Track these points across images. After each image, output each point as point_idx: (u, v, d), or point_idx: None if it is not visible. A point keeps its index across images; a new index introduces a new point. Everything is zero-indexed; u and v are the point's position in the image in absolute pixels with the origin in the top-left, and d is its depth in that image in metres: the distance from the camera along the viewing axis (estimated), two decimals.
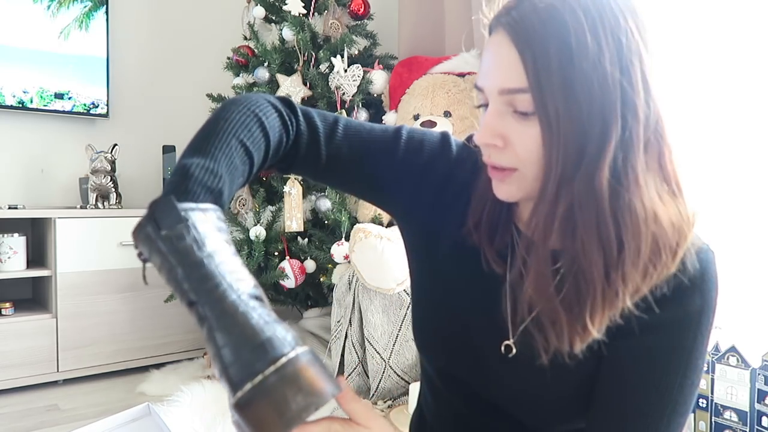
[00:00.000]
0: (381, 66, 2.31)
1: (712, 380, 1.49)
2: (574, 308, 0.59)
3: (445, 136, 0.75)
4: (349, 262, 1.98)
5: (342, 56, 2.20)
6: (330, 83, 2.22)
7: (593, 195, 0.55)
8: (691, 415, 1.53)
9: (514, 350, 0.67)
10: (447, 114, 2.12)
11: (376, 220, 2.06)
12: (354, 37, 2.25)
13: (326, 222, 2.14)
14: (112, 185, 2.42)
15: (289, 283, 2.13)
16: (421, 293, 0.76)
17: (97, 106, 2.61)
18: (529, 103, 0.56)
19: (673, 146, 0.57)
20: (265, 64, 2.29)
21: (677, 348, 0.61)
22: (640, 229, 0.56)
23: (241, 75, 2.40)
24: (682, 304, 0.60)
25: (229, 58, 2.45)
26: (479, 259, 0.68)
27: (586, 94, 0.54)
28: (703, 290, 0.61)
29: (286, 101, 0.71)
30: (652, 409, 0.62)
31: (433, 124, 2.08)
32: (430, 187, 0.73)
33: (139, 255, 0.56)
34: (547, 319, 0.60)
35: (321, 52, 2.22)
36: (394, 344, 1.92)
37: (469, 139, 0.74)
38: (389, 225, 2.08)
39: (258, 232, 2.13)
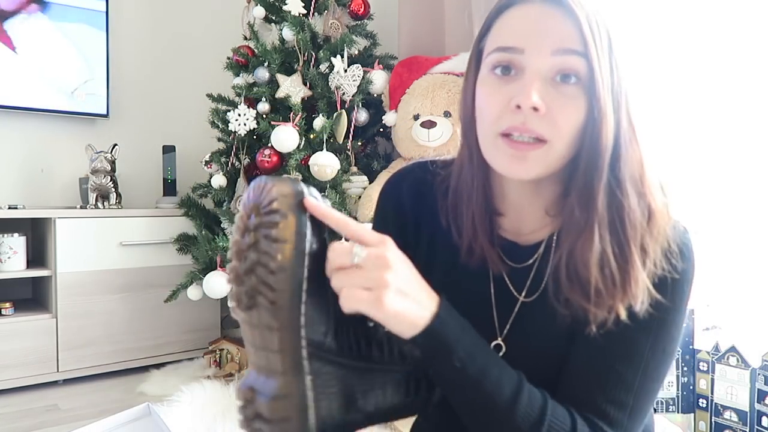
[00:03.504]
0: (381, 66, 2.31)
1: (712, 380, 1.49)
2: (621, 273, 0.61)
3: (378, 205, 0.80)
4: None
5: (342, 56, 2.20)
6: (330, 83, 2.22)
7: (635, 167, 0.61)
8: (691, 415, 1.53)
9: (504, 348, 0.69)
10: (447, 114, 2.12)
11: None
12: (354, 37, 2.25)
13: None
14: (112, 185, 2.42)
15: None
16: None
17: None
18: (577, 68, 0.59)
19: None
20: (265, 64, 2.29)
21: (648, 313, 0.63)
22: (657, 196, 0.62)
23: (241, 75, 2.40)
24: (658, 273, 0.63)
25: (229, 58, 2.45)
26: (458, 269, 0.71)
27: (619, 77, 0.60)
28: (679, 260, 0.63)
29: None
30: (621, 369, 0.63)
31: (433, 124, 2.08)
32: (405, 245, 0.76)
33: None
34: (603, 288, 0.61)
35: (321, 52, 2.22)
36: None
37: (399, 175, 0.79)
38: None
39: None
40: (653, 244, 0.61)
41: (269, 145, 2.12)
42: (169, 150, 2.67)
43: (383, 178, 2.23)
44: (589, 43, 0.58)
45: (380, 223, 0.80)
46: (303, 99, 2.21)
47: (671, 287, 0.63)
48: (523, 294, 0.70)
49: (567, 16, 0.59)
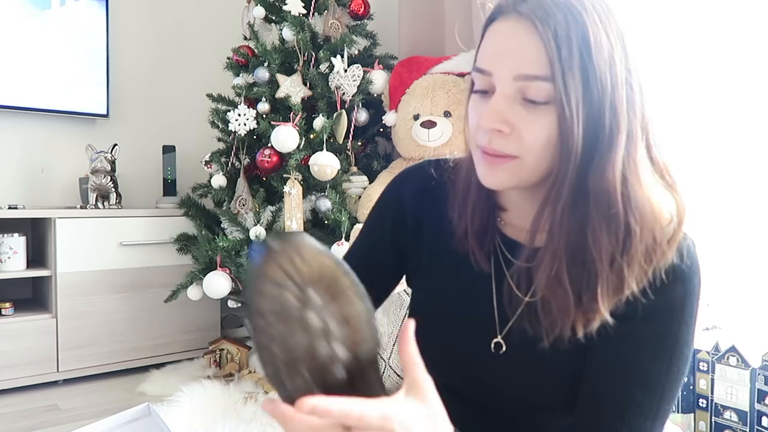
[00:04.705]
0: (381, 66, 2.31)
1: (712, 380, 1.49)
2: (583, 295, 0.61)
3: (380, 196, 0.81)
4: None
5: (342, 56, 2.20)
6: (330, 83, 2.22)
7: (606, 186, 0.58)
8: (691, 415, 1.53)
9: (504, 347, 0.70)
10: (447, 114, 2.12)
11: None
12: (354, 37, 2.25)
13: (326, 222, 2.14)
14: (112, 185, 2.42)
15: None
16: (414, 312, 0.80)
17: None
18: (544, 91, 0.57)
19: (659, 142, 0.62)
20: (265, 64, 2.29)
21: (662, 335, 0.63)
22: (646, 217, 0.59)
23: (241, 75, 2.40)
24: (666, 292, 0.62)
25: (229, 58, 2.45)
26: (462, 266, 0.72)
27: (601, 88, 0.57)
28: (685, 278, 0.62)
29: None
30: (639, 397, 0.63)
31: (432, 123, 2.08)
32: (396, 240, 0.79)
33: None
34: (555, 306, 0.62)
35: (321, 52, 2.22)
36: (394, 344, 1.92)
37: (415, 169, 0.79)
38: None
39: (258, 232, 2.13)
40: (635, 263, 0.60)
41: (269, 145, 2.12)
42: (169, 150, 2.67)
43: (383, 178, 2.23)
44: (554, 64, 0.56)
45: (375, 214, 0.81)
46: (303, 99, 2.21)
47: (678, 304, 0.62)
48: (529, 294, 0.69)
49: (532, 36, 0.57)
